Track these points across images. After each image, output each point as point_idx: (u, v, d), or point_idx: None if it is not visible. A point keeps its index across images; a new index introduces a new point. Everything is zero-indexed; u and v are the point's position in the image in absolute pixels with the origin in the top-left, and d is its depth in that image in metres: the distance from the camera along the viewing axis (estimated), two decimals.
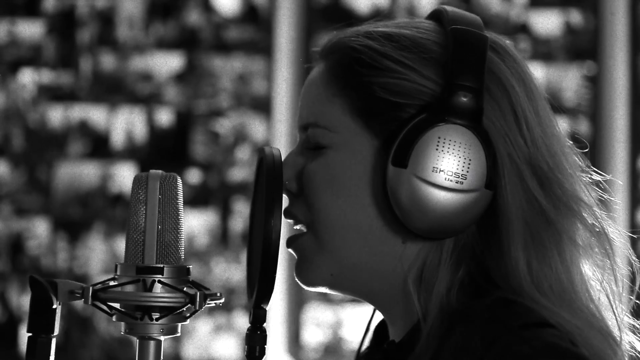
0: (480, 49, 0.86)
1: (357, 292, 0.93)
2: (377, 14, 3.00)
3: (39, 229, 2.88)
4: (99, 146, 2.91)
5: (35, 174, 2.89)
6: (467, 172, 0.84)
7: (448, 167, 0.84)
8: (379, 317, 0.98)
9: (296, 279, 0.94)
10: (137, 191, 0.87)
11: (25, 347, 0.85)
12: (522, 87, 0.89)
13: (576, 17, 3.05)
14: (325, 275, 0.92)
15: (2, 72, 2.90)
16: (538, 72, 2.96)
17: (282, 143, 2.96)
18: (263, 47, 2.95)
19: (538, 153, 0.87)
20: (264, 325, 0.86)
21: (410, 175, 0.84)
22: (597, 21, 3.03)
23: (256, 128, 2.94)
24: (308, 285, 0.94)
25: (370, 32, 0.90)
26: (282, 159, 0.89)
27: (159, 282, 0.84)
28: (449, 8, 0.91)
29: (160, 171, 0.88)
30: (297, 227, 0.93)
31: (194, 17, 2.95)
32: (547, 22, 3.04)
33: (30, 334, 0.84)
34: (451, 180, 0.84)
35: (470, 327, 0.82)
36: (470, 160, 0.84)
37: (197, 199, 2.91)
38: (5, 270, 2.84)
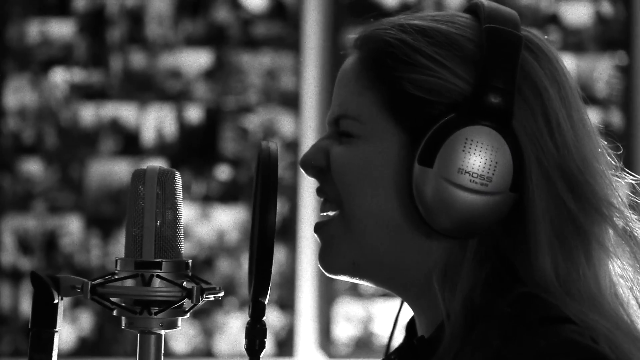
0: (514, 49, 0.85)
1: (380, 281, 0.94)
2: (406, 8, 2.99)
3: (72, 226, 2.91)
4: (129, 144, 2.93)
5: (68, 171, 2.92)
6: (493, 174, 0.84)
7: (474, 169, 0.84)
8: (407, 311, 0.98)
9: (319, 265, 0.95)
10: (135, 186, 0.88)
11: (29, 342, 0.86)
12: (555, 89, 0.88)
13: (607, 7, 3.01)
14: (347, 262, 0.93)
15: (35, 71, 2.94)
16: (568, 63, 2.93)
17: (311, 138, 2.96)
18: (291, 42, 2.95)
19: (568, 157, 0.86)
20: (264, 318, 0.86)
21: (435, 175, 0.84)
22: (628, 11, 2.99)
23: (285, 124, 2.95)
24: (329, 272, 0.95)
25: (405, 25, 0.90)
26: (278, 154, 0.89)
27: (157, 276, 0.85)
28: (486, 2, 0.90)
29: (158, 166, 0.89)
30: (326, 213, 0.94)
31: (222, 13, 2.96)
32: (578, 13, 3.00)
33: (33, 329, 0.86)
34: (476, 182, 0.84)
35: (490, 322, 0.83)
36: (496, 162, 0.84)
37: (227, 195, 2.92)
38: (39, 268, 2.87)
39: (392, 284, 0.93)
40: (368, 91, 0.91)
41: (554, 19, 3.00)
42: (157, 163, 2.92)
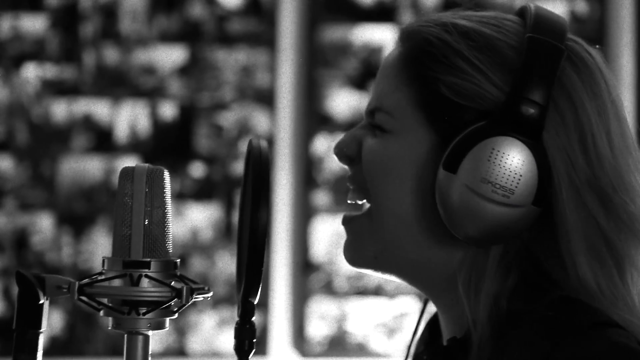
0: (553, 61, 0.85)
1: (402, 276, 0.94)
2: (381, 6, 2.99)
3: (44, 224, 2.88)
4: (102, 140, 2.90)
5: (40, 168, 2.89)
6: (516, 187, 0.83)
7: (497, 180, 0.83)
8: (429, 310, 0.99)
9: (343, 257, 0.96)
10: (123, 185, 0.86)
11: (14, 342, 0.85)
12: (593, 104, 0.87)
13: (581, 6, 3.02)
14: (369, 256, 0.93)
15: (6, 66, 2.90)
16: None
17: (285, 135, 2.95)
18: (266, 39, 2.94)
19: (602, 174, 0.86)
20: (253, 319, 0.85)
21: (458, 182, 0.84)
22: (603, 10, 3.01)
23: (260, 121, 2.94)
24: (352, 264, 0.96)
25: (449, 25, 0.90)
26: (269, 151, 0.89)
27: (146, 276, 0.84)
28: (534, 7, 0.89)
29: (146, 164, 0.88)
30: (354, 202, 0.95)
31: (197, 9, 2.94)
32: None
33: (17, 330, 0.84)
34: (498, 194, 0.83)
35: (533, 325, 0.83)
36: (521, 176, 0.83)
37: (201, 192, 2.90)
38: (9, 266, 2.84)
39: (414, 280, 0.94)
40: (405, 88, 0.91)
41: None
42: (131, 160, 2.89)
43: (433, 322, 0.99)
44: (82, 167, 2.89)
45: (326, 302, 2.91)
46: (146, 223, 0.85)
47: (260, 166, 0.83)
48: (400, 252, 0.91)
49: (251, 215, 0.82)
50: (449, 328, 0.93)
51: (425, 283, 0.93)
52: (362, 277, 2.91)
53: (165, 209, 0.87)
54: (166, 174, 0.88)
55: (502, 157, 0.83)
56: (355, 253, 0.94)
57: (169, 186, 0.88)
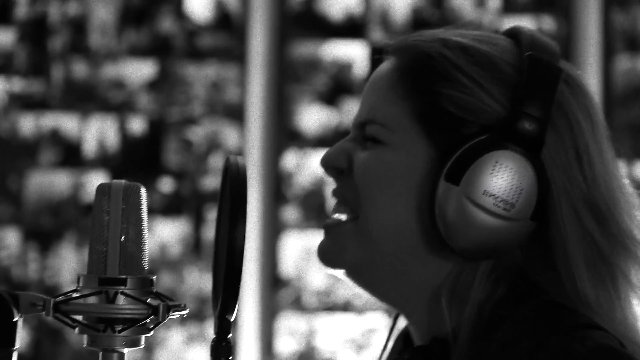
0: (553, 80, 0.86)
1: (377, 287, 0.93)
2: (352, 21, 3.00)
3: (10, 239, 2.85)
4: (70, 155, 2.88)
5: (6, 183, 2.86)
6: (517, 201, 0.84)
7: (499, 193, 0.84)
8: (401, 325, 0.98)
9: (318, 257, 0.95)
10: (99, 201, 0.85)
11: None
12: (589, 124, 0.88)
13: (549, 22, 3.06)
14: (349, 260, 0.92)
15: None
16: None
17: (255, 151, 2.95)
18: (236, 54, 2.94)
19: (596, 191, 0.87)
20: (229, 336, 0.85)
21: (460, 194, 0.84)
22: (569, 27, 3.05)
23: (229, 136, 2.93)
24: (328, 263, 0.94)
25: (448, 41, 0.90)
26: (247, 169, 0.88)
27: (122, 293, 0.83)
28: (527, 29, 0.90)
29: (123, 181, 0.87)
30: (338, 216, 0.93)
31: (166, 24, 2.94)
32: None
33: None
34: (499, 207, 0.84)
35: (517, 326, 0.83)
36: (522, 190, 0.84)
37: (170, 207, 2.89)
38: None
39: (387, 293, 0.93)
40: (401, 101, 0.91)
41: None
42: (99, 175, 2.88)
43: (406, 335, 0.98)
44: (50, 181, 2.87)
45: (295, 318, 2.91)
46: (122, 240, 0.84)
47: (237, 184, 0.83)
48: (385, 263, 0.90)
49: (229, 233, 0.81)
50: (424, 340, 0.93)
51: (400, 297, 0.92)
52: (331, 293, 2.91)
53: (141, 225, 0.86)
54: (143, 191, 0.87)
55: (504, 170, 0.84)
56: (335, 256, 0.93)
57: (146, 203, 0.87)
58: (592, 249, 0.86)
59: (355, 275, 0.93)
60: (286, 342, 2.90)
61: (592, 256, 0.86)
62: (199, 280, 2.87)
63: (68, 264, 2.85)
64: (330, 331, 2.90)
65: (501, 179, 0.84)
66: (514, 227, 0.84)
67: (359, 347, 2.91)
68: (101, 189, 0.86)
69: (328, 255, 0.94)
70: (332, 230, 0.94)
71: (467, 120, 0.87)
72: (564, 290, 0.86)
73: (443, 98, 0.88)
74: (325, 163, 0.95)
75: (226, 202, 0.85)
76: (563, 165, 0.87)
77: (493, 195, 0.84)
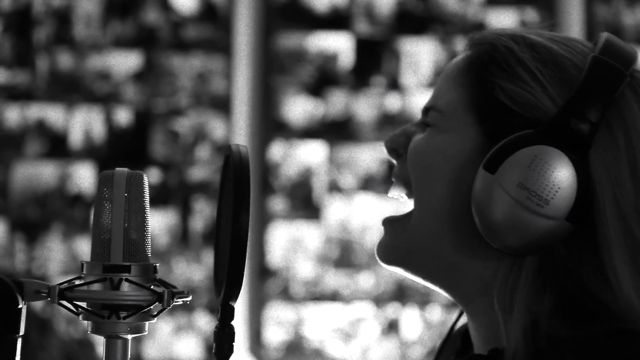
0: (612, 83, 0.85)
1: (433, 279, 0.93)
2: (336, 12, 3.01)
3: None
4: (56, 146, 2.88)
5: None
6: (552, 198, 0.83)
7: (534, 187, 0.83)
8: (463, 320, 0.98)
9: (376, 256, 0.95)
10: (102, 189, 0.86)
11: None
12: None
13: (532, 15, 3.08)
14: (403, 252, 0.93)
15: None
16: None
17: (241, 142, 2.96)
18: (222, 45, 2.94)
19: None
20: (232, 322, 0.86)
21: (495, 183, 0.84)
22: (553, 20, 3.07)
23: (215, 127, 2.93)
24: (384, 261, 0.95)
25: (518, 36, 0.90)
26: (249, 156, 0.89)
27: (126, 280, 0.84)
28: (607, 35, 0.90)
29: (126, 169, 0.88)
30: (395, 195, 0.95)
31: (152, 15, 2.93)
32: (504, 20, 3.07)
33: None
34: (532, 201, 0.83)
35: (581, 356, 0.82)
36: (559, 188, 0.83)
37: (157, 198, 2.89)
38: None
39: (446, 286, 0.93)
40: (462, 88, 0.92)
41: (480, 27, 3.06)
42: (85, 166, 2.87)
43: (465, 332, 0.99)
44: (36, 172, 2.87)
45: (283, 308, 2.92)
46: (126, 227, 0.85)
47: (240, 170, 0.83)
48: (432, 251, 0.91)
49: (232, 221, 0.82)
50: (480, 339, 0.93)
51: (456, 290, 0.93)
52: (319, 283, 2.92)
53: (144, 213, 0.87)
54: (145, 179, 0.88)
55: (542, 166, 0.83)
56: (389, 249, 0.94)
57: (148, 191, 0.88)
58: None
59: (411, 266, 0.93)
60: (274, 332, 2.91)
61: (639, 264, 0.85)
62: (187, 271, 2.88)
63: (55, 254, 2.84)
64: (318, 321, 2.91)
65: (538, 173, 0.83)
66: (548, 224, 0.83)
67: (347, 337, 2.92)
68: (104, 177, 0.86)
69: (381, 250, 0.95)
70: (388, 225, 0.95)
71: (518, 114, 0.87)
72: (614, 298, 0.84)
73: (498, 89, 0.88)
74: (387, 144, 0.97)
75: (228, 191, 0.85)
76: (613, 171, 0.85)
77: (527, 188, 0.83)
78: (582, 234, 0.85)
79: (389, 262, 0.95)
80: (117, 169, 0.88)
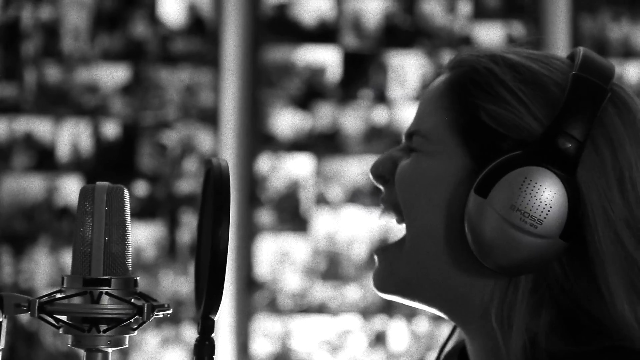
0: (594, 100, 0.85)
1: (433, 303, 0.94)
2: (324, 27, 3.02)
3: None
4: (44, 159, 2.88)
5: None
6: (545, 218, 0.83)
7: (526, 208, 0.83)
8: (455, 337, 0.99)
9: (373, 286, 0.96)
10: (83, 203, 0.86)
11: None
12: (635, 147, 0.88)
13: (518, 28, 3.10)
14: (400, 280, 0.93)
15: None
16: None
17: (229, 154, 2.96)
18: (210, 59, 2.95)
19: None
20: (212, 335, 0.86)
21: (487, 207, 0.84)
22: (539, 33, 3.09)
23: (203, 140, 2.94)
24: (381, 290, 0.95)
25: (497, 57, 0.91)
26: (229, 170, 0.90)
27: (106, 293, 0.84)
28: (583, 50, 0.90)
29: (107, 183, 0.88)
30: (387, 219, 0.95)
31: (140, 28, 2.94)
32: (490, 34, 3.08)
33: None
34: (525, 222, 0.83)
35: None
36: (550, 207, 0.83)
37: (144, 211, 2.89)
38: None
39: (444, 308, 0.93)
40: (444, 111, 0.92)
41: (467, 41, 3.08)
42: (73, 179, 2.87)
43: (461, 351, 0.99)
44: (23, 185, 2.87)
45: (270, 320, 2.92)
46: (106, 241, 0.85)
47: (220, 184, 0.84)
48: (429, 275, 0.91)
49: (212, 233, 0.82)
50: (476, 358, 0.94)
51: (456, 313, 0.93)
52: (306, 295, 2.92)
53: (125, 227, 0.87)
54: (126, 193, 0.88)
55: (533, 186, 0.84)
56: (385, 279, 0.94)
57: (129, 204, 0.89)
58: (634, 271, 0.85)
59: (408, 293, 0.94)
60: (261, 344, 2.91)
61: (634, 278, 0.85)
62: (174, 283, 2.88)
63: (42, 267, 2.84)
64: (306, 333, 2.92)
65: (529, 194, 0.84)
66: (543, 244, 0.84)
67: (334, 349, 2.93)
68: (84, 191, 0.87)
69: (377, 280, 0.95)
70: (381, 254, 0.96)
71: (504, 135, 0.87)
72: (608, 314, 0.85)
73: (483, 111, 0.89)
74: (372, 170, 0.97)
75: (209, 203, 0.86)
76: (602, 186, 0.86)
77: (520, 210, 0.84)
78: (576, 251, 0.86)
79: (387, 291, 0.95)
80: (98, 182, 0.88)
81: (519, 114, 0.87)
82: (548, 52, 0.95)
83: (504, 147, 0.87)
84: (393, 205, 0.95)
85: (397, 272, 0.94)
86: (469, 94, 0.90)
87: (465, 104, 0.90)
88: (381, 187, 0.97)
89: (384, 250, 0.96)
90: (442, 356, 1.03)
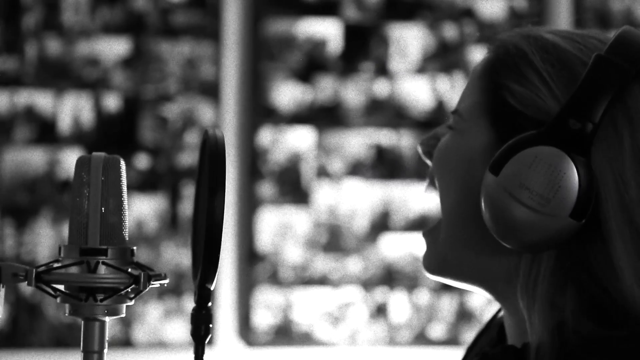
0: (614, 81, 0.85)
1: (470, 280, 0.95)
2: (325, 0, 3.01)
3: None
4: (45, 132, 2.88)
5: None
6: (553, 197, 0.84)
7: (535, 187, 0.84)
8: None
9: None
10: (79, 173, 0.87)
11: None
12: None
13: (521, 1, 3.09)
14: (440, 259, 0.96)
15: None
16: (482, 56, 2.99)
17: (230, 127, 2.96)
18: (211, 31, 2.95)
19: None
20: (209, 304, 0.87)
21: (498, 184, 0.86)
22: (541, 6, 3.08)
23: (204, 113, 2.94)
24: (428, 271, 0.98)
25: (531, 37, 0.92)
26: (225, 141, 0.90)
27: (103, 263, 0.85)
28: (622, 29, 0.89)
29: (103, 153, 0.89)
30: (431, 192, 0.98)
31: (140, 1, 2.93)
32: (492, 7, 3.07)
33: None
34: (534, 200, 0.84)
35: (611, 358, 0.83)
36: (559, 186, 0.84)
37: (146, 184, 2.90)
38: None
39: (482, 284, 0.95)
40: (479, 91, 0.94)
41: (469, 13, 3.07)
42: (75, 152, 2.88)
43: (501, 326, 1.01)
44: (25, 158, 2.87)
45: (271, 292, 2.93)
46: (103, 211, 0.86)
47: (216, 155, 0.85)
48: (462, 254, 0.94)
49: (208, 203, 0.83)
50: (511, 333, 0.95)
51: (492, 289, 0.95)
52: (308, 267, 2.94)
53: (121, 197, 0.88)
54: (122, 163, 0.89)
55: (543, 165, 0.84)
56: (427, 261, 0.97)
57: (125, 175, 0.89)
58: None
59: (450, 274, 0.96)
60: (263, 316, 2.93)
61: None
62: (176, 255, 2.89)
63: (44, 240, 2.85)
64: (307, 305, 2.93)
65: (539, 173, 0.84)
66: (549, 222, 0.85)
67: (336, 320, 2.94)
68: (81, 161, 0.88)
69: (424, 262, 0.98)
70: (425, 237, 0.99)
71: (526, 115, 0.89)
72: (622, 293, 0.85)
73: (508, 92, 0.90)
74: (420, 146, 1.00)
75: (205, 174, 0.86)
76: (617, 167, 0.86)
77: (529, 188, 0.85)
78: (593, 231, 0.86)
79: (432, 272, 0.98)
80: (94, 153, 0.89)
81: (541, 94, 0.88)
82: (592, 30, 0.94)
83: (525, 127, 0.88)
84: (432, 179, 0.98)
85: (437, 252, 0.96)
86: (498, 74, 0.92)
87: (495, 85, 0.92)
88: (428, 162, 0.99)
89: (425, 233, 0.99)
90: (493, 324, 1.04)
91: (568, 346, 0.85)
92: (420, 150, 1.01)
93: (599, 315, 0.86)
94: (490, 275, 0.94)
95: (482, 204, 0.88)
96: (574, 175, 0.84)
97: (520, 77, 0.90)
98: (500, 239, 0.88)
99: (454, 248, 0.94)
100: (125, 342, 2.87)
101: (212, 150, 0.85)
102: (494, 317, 1.04)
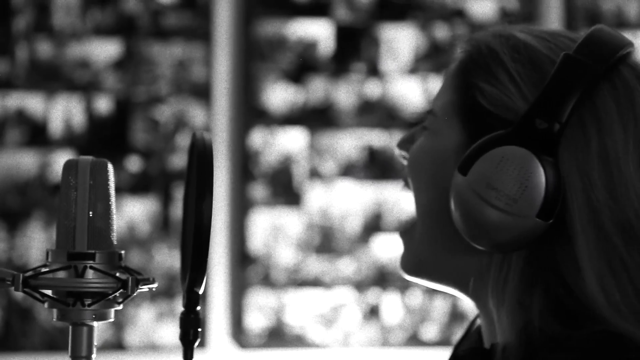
0: (583, 80, 0.85)
1: (442, 281, 0.96)
2: (316, 2, 3.01)
3: None
4: (36, 135, 2.87)
5: None
6: (520, 197, 0.84)
7: (502, 187, 0.84)
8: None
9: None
10: (67, 177, 0.87)
11: None
12: (630, 132, 0.86)
13: (512, 2, 3.09)
14: (414, 260, 0.96)
15: None
16: None
17: (222, 129, 2.96)
18: (202, 33, 2.94)
19: (626, 201, 0.85)
20: (198, 308, 0.87)
21: (466, 184, 0.86)
22: (532, 5, 3.08)
23: (196, 114, 2.94)
24: (405, 272, 0.98)
25: (503, 36, 0.92)
26: (213, 144, 0.90)
27: (91, 267, 0.84)
28: (593, 28, 0.89)
29: (90, 157, 0.89)
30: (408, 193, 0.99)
31: (131, 3, 2.93)
32: (483, 8, 3.07)
33: None
34: (500, 200, 0.84)
35: (571, 355, 0.83)
36: (525, 187, 0.84)
37: (138, 186, 2.89)
38: None
39: (455, 285, 0.95)
40: (452, 90, 0.94)
41: (460, 14, 3.07)
42: (66, 154, 2.87)
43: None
44: (16, 161, 2.86)
45: (264, 294, 2.93)
46: (90, 215, 0.86)
47: (204, 158, 0.84)
48: (435, 254, 0.94)
49: (196, 207, 0.83)
50: (486, 335, 0.96)
51: (465, 290, 0.95)
52: (300, 269, 2.93)
53: (109, 201, 0.88)
54: (110, 166, 0.89)
55: (509, 166, 0.84)
56: (403, 262, 0.97)
57: (113, 178, 0.89)
58: (612, 253, 0.85)
59: (425, 275, 0.96)
60: (256, 318, 2.93)
61: (612, 260, 0.85)
62: (168, 258, 2.88)
63: (36, 243, 2.84)
64: (299, 307, 2.93)
65: (505, 173, 0.84)
66: (516, 222, 0.84)
67: (328, 322, 2.94)
68: (68, 165, 0.87)
69: (400, 263, 0.98)
70: (401, 237, 0.99)
71: (496, 115, 0.88)
72: (586, 291, 0.85)
73: (478, 92, 0.90)
74: (397, 148, 1.01)
75: (193, 177, 0.86)
76: (584, 167, 0.86)
77: (495, 188, 0.84)
78: (560, 231, 0.86)
79: (408, 273, 0.98)
80: (81, 156, 0.88)
81: (510, 94, 0.88)
82: (566, 30, 0.95)
83: (494, 127, 0.88)
84: (406, 180, 0.98)
85: (412, 254, 0.96)
86: (470, 74, 0.92)
87: (466, 84, 0.92)
88: (404, 163, 1.00)
89: (401, 233, 0.99)
90: (474, 327, 1.05)
91: (532, 346, 0.85)
92: (396, 152, 1.01)
93: (566, 316, 0.86)
94: (464, 276, 0.93)
95: (452, 204, 0.88)
96: (540, 175, 0.84)
97: (490, 77, 0.90)
98: (469, 239, 0.88)
99: (428, 248, 0.94)
100: (117, 345, 2.86)
101: (200, 154, 0.85)
102: (473, 321, 1.04)
